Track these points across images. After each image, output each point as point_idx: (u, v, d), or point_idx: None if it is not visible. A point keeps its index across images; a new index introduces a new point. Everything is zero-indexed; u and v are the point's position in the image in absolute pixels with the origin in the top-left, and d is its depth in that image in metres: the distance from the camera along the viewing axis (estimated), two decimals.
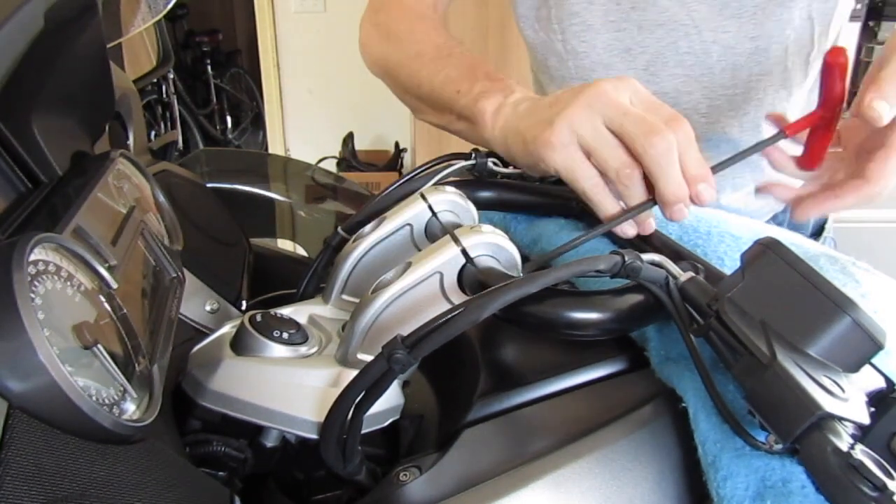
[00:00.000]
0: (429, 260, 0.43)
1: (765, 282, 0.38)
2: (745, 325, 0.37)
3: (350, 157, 3.33)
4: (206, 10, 4.42)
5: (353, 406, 0.39)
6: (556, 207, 0.65)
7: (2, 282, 0.27)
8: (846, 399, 0.34)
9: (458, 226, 0.51)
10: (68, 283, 0.32)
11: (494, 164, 0.66)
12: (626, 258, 0.40)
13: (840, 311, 0.36)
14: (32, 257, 0.30)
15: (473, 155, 0.65)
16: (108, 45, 0.55)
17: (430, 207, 0.52)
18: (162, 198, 0.53)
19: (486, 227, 0.45)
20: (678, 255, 0.52)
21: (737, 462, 0.37)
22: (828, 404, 0.32)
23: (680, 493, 0.42)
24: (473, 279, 0.43)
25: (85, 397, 0.29)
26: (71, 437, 0.29)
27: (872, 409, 0.35)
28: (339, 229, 0.59)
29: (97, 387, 0.31)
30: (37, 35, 0.44)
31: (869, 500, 0.29)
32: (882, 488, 0.29)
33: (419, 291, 0.43)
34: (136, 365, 0.36)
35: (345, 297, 0.53)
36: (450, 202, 0.52)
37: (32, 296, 0.29)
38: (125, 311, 0.36)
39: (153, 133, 3.32)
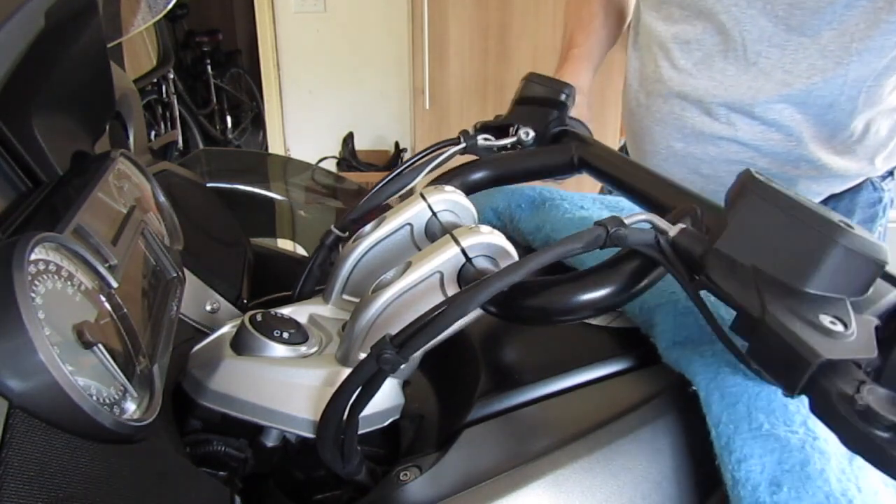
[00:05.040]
0: (429, 259, 0.43)
1: (749, 223, 0.36)
2: (734, 277, 0.35)
3: (350, 157, 3.33)
4: (206, 10, 4.42)
5: (349, 406, 0.39)
6: (556, 168, 0.64)
7: (2, 281, 0.27)
8: (850, 334, 0.31)
9: (458, 226, 0.51)
10: (69, 283, 0.32)
11: (486, 139, 0.64)
12: (610, 228, 0.38)
13: (829, 240, 0.33)
14: (33, 257, 0.30)
15: (462, 138, 0.63)
16: (108, 45, 0.55)
17: (430, 207, 0.52)
18: (162, 198, 0.53)
19: (485, 228, 0.45)
20: (675, 193, 0.50)
21: (751, 443, 0.36)
22: (826, 349, 0.30)
23: (680, 493, 0.42)
24: (471, 279, 0.43)
25: (85, 397, 0.29)
26: (71, 436, 0.29)
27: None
28: (333, 227, 0.58)
29: (98, 386, 0.31)
30: (37, 35, 0.44)
31: (882, 442, 0.27)
32: (892, 428, 0.27)
33: (419, 291, 0.43)
34: (137, 364, 0.36)
35: (345, 296, 0.53)
36: (449, 202, 0.52)
37: (33, 295, 0.29)
38: (125, 310, 0.36)
39: (153, 133, 3.31)
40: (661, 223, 0.40)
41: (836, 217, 0.34)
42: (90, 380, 0.31)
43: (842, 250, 0.33)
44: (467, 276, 0.44)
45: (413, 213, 0.52)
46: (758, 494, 0.35)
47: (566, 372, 0.47)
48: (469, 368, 0.50)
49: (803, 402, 0.41)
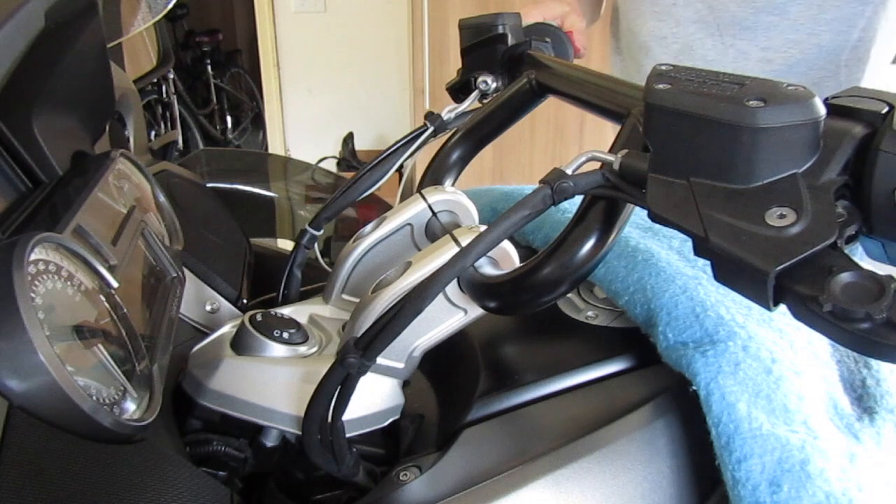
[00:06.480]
0: (429, 259, 0.43)
1: (665, 139, 0.32)
2: (672, 200, 0.32)
3: (350, 157, 3.33)
4: (206, 10, 4.42)
5: (331, 410, 0.39)
6: (523, 104, 0.61)
7: (2, 281, 0.27)
8: (805, 221, 0.28)
9: (458, 226, 0.51)
10: (69, 283, 0.32)
11: (451, 111, 0.62)
12: (553, 184, 0.36)
13: (745, 130, 0.29)
14: (33, 257, 0.30)
15: (427, 122, 0.61)
16: (108, 45, 0.55)
17: (430, 207, 0.52)
18: (162, 198, 0.53)
19: (485, 228, 0.45)
20: (633, 98, 0.47)
21: (751, 443, 0.36)
22: (776, 255, 0.27)
23: (680, 493, 0.42)
24: (471, 279, 0.43)
25: (85, 397, 0.29)
26: (71, 436, 0.29)
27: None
28: (308, 227, 0.58)
29: (97, 386, 0.31)
30: (37, 35, 0.44)
31: (864, 334, 0.25)
32: (867, 317, 0.25)
33: None
34: (137, 364, 0.36)
35: (345, 296, 0.53)
36: (450, 202, 0.52)
37: (33, 295, 0.29)
38: (125, 310, 0.36)
39: (153, 133, 3.31)
40: (605, 156, 0.36)
41: (748, 94, 0.30)
42: (90, 380, 0.31)
43: (762, 133, 0.29)
44: (467, 276, 0.44)
45: (413, 214, 0.52)
46: (758, 494, 0.35)
47: (566, 372, 0.47)
48: (469, 368, 0.50)
49: (803, 401, 0.41)
